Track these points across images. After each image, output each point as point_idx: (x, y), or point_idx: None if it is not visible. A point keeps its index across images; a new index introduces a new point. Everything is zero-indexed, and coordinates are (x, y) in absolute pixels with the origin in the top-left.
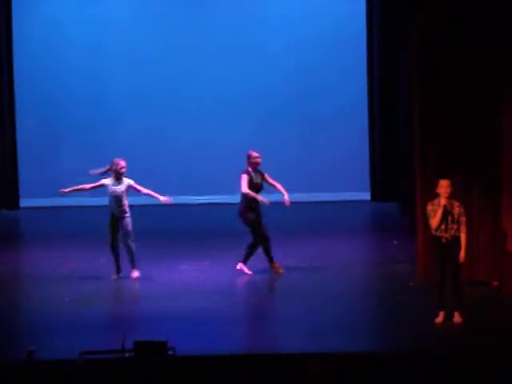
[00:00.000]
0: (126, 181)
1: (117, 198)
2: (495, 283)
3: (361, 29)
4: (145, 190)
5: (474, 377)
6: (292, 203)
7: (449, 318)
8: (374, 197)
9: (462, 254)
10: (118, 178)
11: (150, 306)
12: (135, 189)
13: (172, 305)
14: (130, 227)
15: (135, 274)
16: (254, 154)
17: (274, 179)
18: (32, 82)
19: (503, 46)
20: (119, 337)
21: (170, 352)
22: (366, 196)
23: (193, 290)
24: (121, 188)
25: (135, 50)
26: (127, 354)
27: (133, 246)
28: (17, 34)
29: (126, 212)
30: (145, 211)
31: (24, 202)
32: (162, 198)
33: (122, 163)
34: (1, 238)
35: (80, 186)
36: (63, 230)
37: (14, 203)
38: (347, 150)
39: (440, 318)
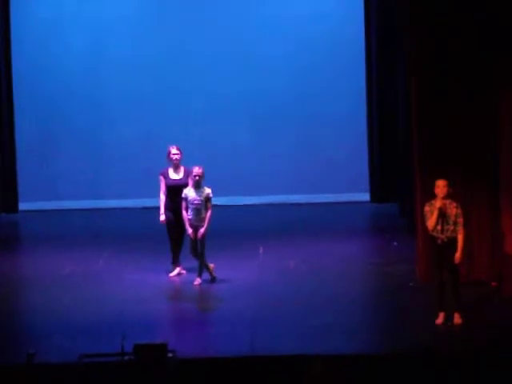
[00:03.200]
0: (206, 190)
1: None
2: (494, 284)
3: (359, 31)
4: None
5: (474, 378)
6: (291, 204)
7: (449, 318)
8: (374, 198)
9: (458, 255)
10: (197, 186)
11: (150, 308)
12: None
13: (171, 307)
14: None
15: (198, 281)
16: (172, 149)
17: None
18: (30, 85)
19: (501, 51)
20: (119, 340)
21: (170, 355)
22: (366, 197)
23: (192, 292)
24: (200, 198)
25: (134, 52)
26: (127, 357)
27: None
28: (15, 36)
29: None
30: (142, 214)
31: (23, 206)
32: (201, 231)
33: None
34: (0, 241)
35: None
36: (63, 233)
37: (13, 206)
38: (346, 151)
39: (440, 319)
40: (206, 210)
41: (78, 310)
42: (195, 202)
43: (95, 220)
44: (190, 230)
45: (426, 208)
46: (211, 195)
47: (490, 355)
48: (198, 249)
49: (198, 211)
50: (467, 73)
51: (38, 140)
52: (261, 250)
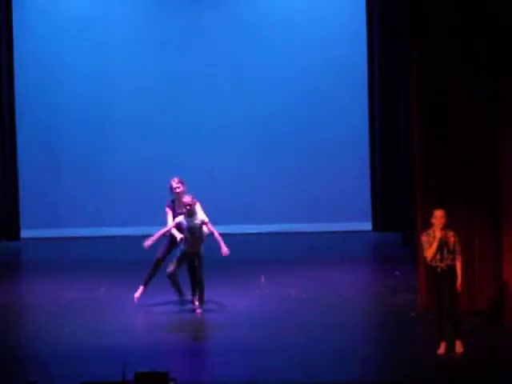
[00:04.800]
0: (200, 216)
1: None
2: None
3: (361, 60)
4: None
5: None
6: (293, 233)
7: (451, 348)
8: (376, 227)
9: (459, 282)
10: (190, 215)
11: (151, 336)
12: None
13: (172, 336)
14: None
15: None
16: (172, 183)
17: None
18: (33, 111)
19: (502, 66)
20: (120, 368)
21: (171, 383)
22: (368, 226)
23: (192, 321)
24: (195, 225)
25: (137, 78)
26: None
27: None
28: (17, 62)
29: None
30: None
31: (25, 233)
32: (224, 250)
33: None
34: (1, 269)
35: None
36: (64, 261)
37: (14, 234)
38: (348, 180)
39: (442, 349)
40: (203, 235)
41: (79, 338)
42: (190, 228)
43: (97, 248)
44: (148, 243)
45: (424, 238)
46: (206, 219)
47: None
48: (197, 274)
49: (193, 236)
50: (470, 101)
51: (41, 167)
52: (262, 279)
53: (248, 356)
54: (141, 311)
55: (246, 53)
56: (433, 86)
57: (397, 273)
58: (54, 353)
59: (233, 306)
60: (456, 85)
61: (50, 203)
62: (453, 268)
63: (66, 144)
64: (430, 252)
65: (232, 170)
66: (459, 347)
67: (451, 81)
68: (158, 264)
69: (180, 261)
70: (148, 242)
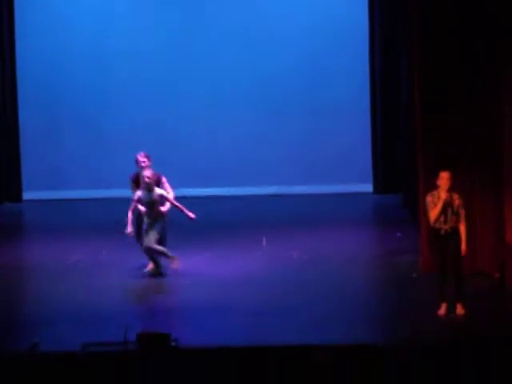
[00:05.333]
0: (158, 192)
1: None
2: (497, 275)
3: (362, 18)
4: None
5: (475, 368)
6: (294, 195)
7: (451, 309)
8: (377, 189)
9: (464, 246)
10: (149, 190)
11: (153, 298)
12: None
13: (175, 297)
14: None
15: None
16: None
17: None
18: (34, 73)
19: (504, 41)
20: (121, 329)
21: (173, 344)
22: (369, 188)
23: (195, 282)
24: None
25: (138, 38)
26: (130, 346)
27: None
28: (19, 23)
29: None
30: None
31: (27, 195)
32: (190, 215)
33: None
34: (4, 231)
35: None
36: (66, 223)
37: (16, 196)
38: (349, 142)
39: (442, 310)
40: (158, 209)
41: (82, 300)
42: (148, 203)
43: (98, 209)
44: (129, 229)
45: (429, 198)
46: (165, 193)
47: (492, 346)
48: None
49: (152, 210)
50: (471, 61)
51: (42, 129)
52: (264, 241)
53: (250, 317)
54: (142, 273)
55: (246, 12)
56: (434, 46)
57: (398, 234)
58: (56, 314)
59: (235, 267)
60: (457, 44)
61: (51, 165)
62: (456, 230)
63: (67, 105)
64: (434, 213)
65: (232, 131)
66: (460, 309)
67: (452, 40)
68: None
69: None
70: (129, 228)
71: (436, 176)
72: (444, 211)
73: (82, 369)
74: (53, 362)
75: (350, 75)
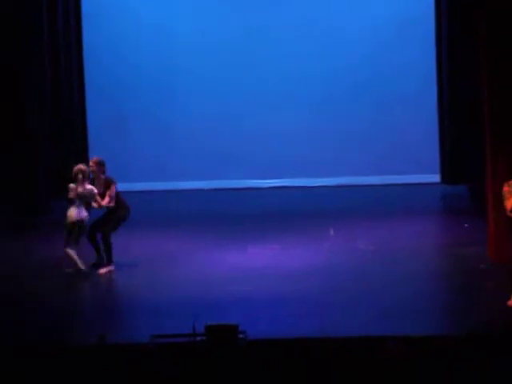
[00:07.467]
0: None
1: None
2: None
3: (430, 12)
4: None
5: None
6: (361, 186)
7: None
8: (444, 179)
9: None
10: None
11: (222, 289)
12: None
13: (242, 289)
14: None
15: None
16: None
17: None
18: (102, 67)
19: None
20: (191, 320)
21: (241, 336)
22: (436, 178)
23: (263, 273)
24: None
25: (204, 33)
26: (198, 338)
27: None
28: (86, 19)
29: None
30: (210, 195)
31: None
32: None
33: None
34: None
35: None
36: (133, 215)
37: None
38: (417, 132)
39: None
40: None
41: (150, 291)
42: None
43: (166, 201)
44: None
45: (505, 188)
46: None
47: None
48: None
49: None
50: None
51: (109, 123)
52: (331, 232)
53: (318, 308)
54: (210, 264)
55: (312, 9)
56: (502, 41)
57: (466, 225)
58: (124, 306)
59: (303, 258)
60: None
61: (118, 158)
62: None
63: (134, 99)
64: (510, 202)
65: (301, 122)
66: None
67: None
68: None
69: None
70: None
71: (505, 167)
72: None
73: (150, 360)
74: (120, 354)
75: (418, 65)
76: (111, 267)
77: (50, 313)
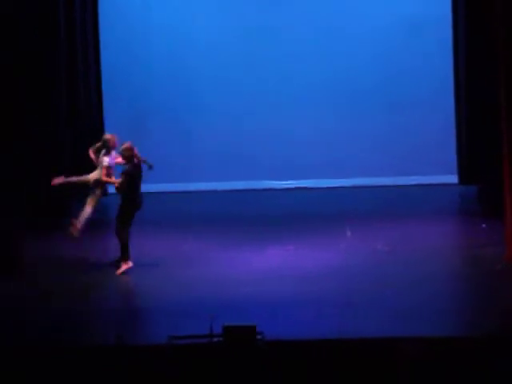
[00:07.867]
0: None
1: None
2: None
3: (446, 13)
4: None
5: None
6: (378, 187)
7: None
8: (462, 180)
9: None
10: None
11: (239, 290)
12: None
13: (259, 289)
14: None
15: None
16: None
17: None
18: (119, 70)
19: None
20: (208, 321)
21: (258, 337)
22: (454, 179)
23: (280, 274)
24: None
25: (221, 33)
26: (216, 339)
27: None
28: (103, 22)
29: None
30: (226, 196)
31: (111, 188)
32: None
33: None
34: (90, 225)
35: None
36: (149, 216)
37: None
38: (433, 133)
39: None
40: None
41: (168, 292)
42: None
43: (183, 203)
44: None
45: None
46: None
47: None
48: None
49: None
50: None
51: (127, 125)
52: (348, 232)
53: (336, 310)
54: (227, 265)
55: (327, 11)
56: None
57: (483, 226)
58: (142, 307)
59: (319, 259)
60: None
61: None
62: None
63: (152, 101)
64: None
65: (317, 123)
66: None
67: None
68: None
69: None
70: None
71: None
72: None
73: (167, 361)
74: (138, 355)
75: (435, 65)
76: (127, 265)
77: (67, 313)
